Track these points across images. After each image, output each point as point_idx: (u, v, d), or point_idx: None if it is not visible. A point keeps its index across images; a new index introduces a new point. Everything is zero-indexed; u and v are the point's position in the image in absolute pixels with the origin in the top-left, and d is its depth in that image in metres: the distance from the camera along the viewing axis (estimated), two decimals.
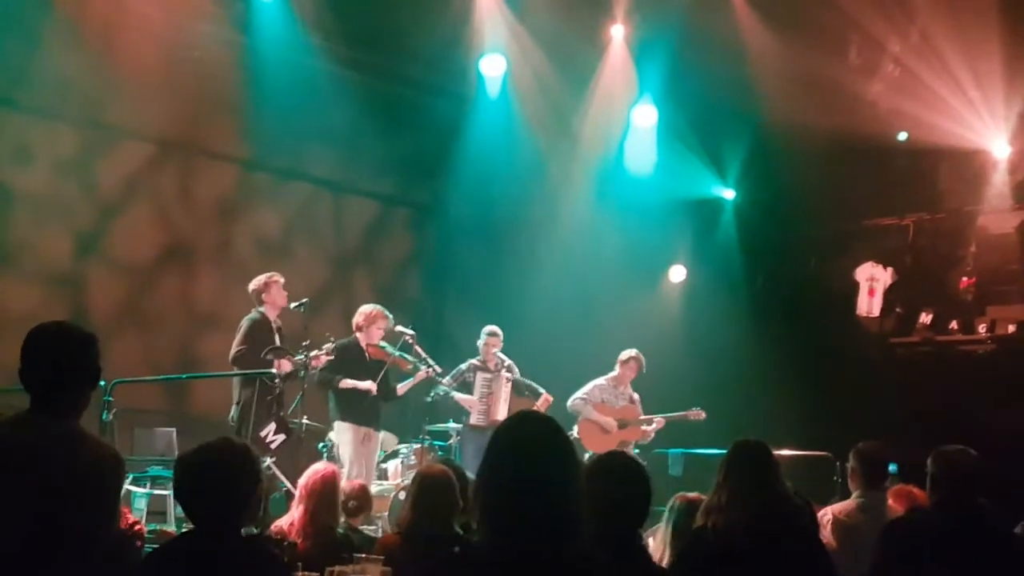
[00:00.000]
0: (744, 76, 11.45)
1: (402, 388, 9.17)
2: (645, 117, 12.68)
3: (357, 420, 8.76)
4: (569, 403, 10.08)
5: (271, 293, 8.59)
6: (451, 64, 12.02)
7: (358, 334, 8.96)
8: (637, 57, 12.17)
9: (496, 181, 12.37)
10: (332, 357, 8.47)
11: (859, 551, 5.13)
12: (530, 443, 2.70)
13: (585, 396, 10.13)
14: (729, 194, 13.47)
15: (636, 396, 10.32)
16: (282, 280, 8.68)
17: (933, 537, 4.38)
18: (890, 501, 5.71)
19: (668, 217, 13.01)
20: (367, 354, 8.90)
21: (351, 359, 8.82)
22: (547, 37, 11.74)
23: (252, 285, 8.67)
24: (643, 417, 10.24)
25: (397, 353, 8.97)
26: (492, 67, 12.13)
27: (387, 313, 9.06)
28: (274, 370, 8.18)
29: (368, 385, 8.73)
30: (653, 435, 10.28)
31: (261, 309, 8.55)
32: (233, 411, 8.32)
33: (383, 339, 9.02)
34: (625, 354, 10.23)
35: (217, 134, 11.18)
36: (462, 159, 12.25)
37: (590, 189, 12.69)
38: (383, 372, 8.87)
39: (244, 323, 8.48)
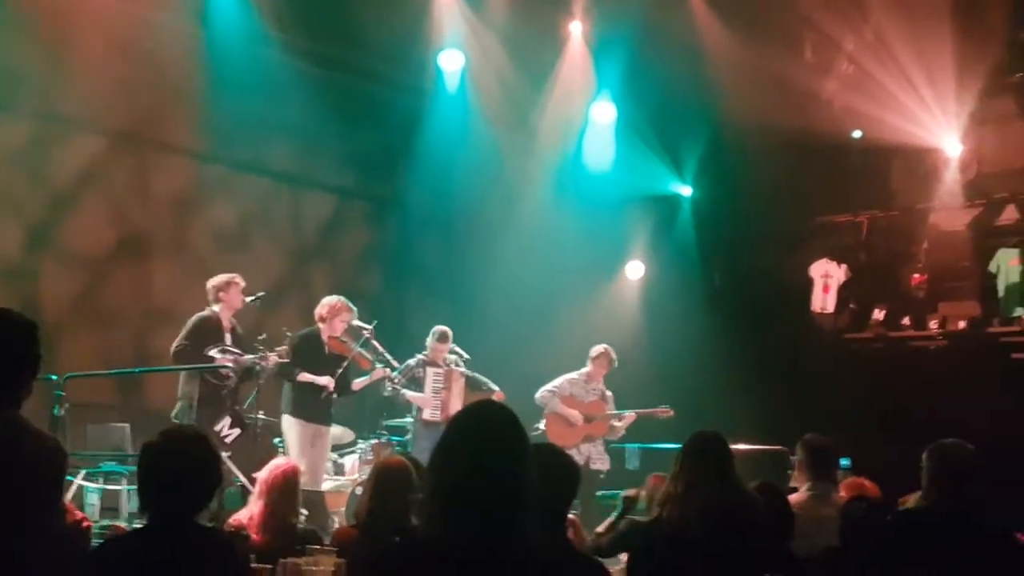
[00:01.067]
0: (702, 74, 11.54)
1: (358, 384, 9.01)
2: (603, 113, 12.74)
3: (307, 417, 8.57)
4: (537, 394, 10.07)
5: (229, 294, 8.48)
6: (410, 58, 12.00)
7: (320, 325, 8.80)
8: (596, 54, 12.24)
9: (455, 176, 12.38)
10: (285, 360, 8.32)
11: (807, 540, 5.19)
12: (486, 432, 2.70)
13: (554, 388, 10.11)
14: (686, 191, 13.56)
15: (609, 393, 10.29)
16: (243, 284, 8.58)
17: (929, 532, 4.34)
18: (842, 493, 5.77)
19: (626, 213, 13.08)
20: (327, 347, 8.77)
21: (310, 351, 8.67)
22: (506, 32, 11.77)
23: (212, 282, 8.56)
24: (611, 412, 10.20)
25: (358, 349, 8.86)
26: (451, 62, 12.14)
27: (351, 306, 8.90)
28: (231, 365, 8.13)
29: (325, 381, 8.58)
30: (623, 431, 10.25)
31: (215, 308, 8.45)
32: (177, 407, 8.23)
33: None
34: (595, 350, 10.19)
35: (173, 126, 11.07)
36: (421, 154, 12.24)
37: (548, 185, 12.73)
38: (343, 367, 8.74)
39: (192, 319, 8.38)
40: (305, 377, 8.57)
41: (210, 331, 8.30)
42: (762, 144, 11.53)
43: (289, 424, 8.58)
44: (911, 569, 4.00)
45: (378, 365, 8.99)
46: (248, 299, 8.62)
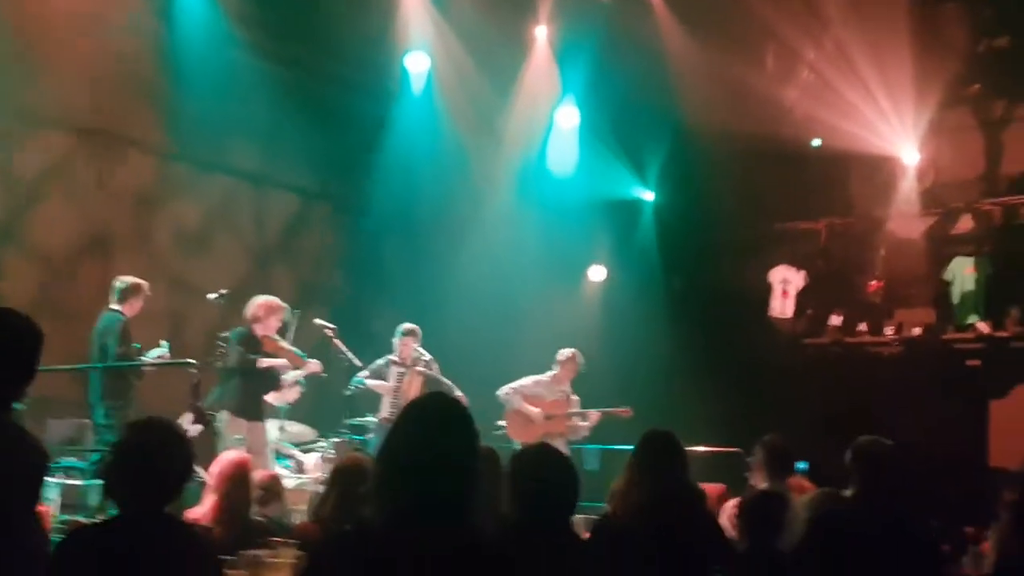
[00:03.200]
0: (665, 80, 11.67)
1: (288, 381, 9.08)
2: (567, 118, 12.83)
3: (247, 415, 8.59)
4: (500, 391, 10.13)
5: (133, 302, 8.62)
6: (376, 60, 12.03)
7: (254, 325, 8.77)
8: (560, 58, 12.32)
9: (419, 178, 12.40)
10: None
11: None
12: (434, 422, 2.74)
13: (517, 387, 10.17)
14: (649, 196, 13.68)
15: (575, 397, 10.36)
16: (148, 293, 8.75)
17: (853, 529, 4.39)
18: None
19: (589, 217, 13.17)
20: (263, 347, 8.75)
21: (252, 349, 8.69)
22: (471, 36, 11.83)
23: (125, 282, 8.65)
24: (573, 411, 10.26)
25: (288, 346, 8.88)
26: (416, 64, 12.17)
27: (284, 304, 8.93)
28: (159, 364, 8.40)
29: (282, 362, 8.68)
30: (588, 431, 10.31)
31: (126, 307, 8.59)
32: (101, 408, 8.35)
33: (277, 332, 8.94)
34: (563, 353, 10.26)
35: (137, 124, 11.01)
36: (385, 155, 12.25)
37: (512, 188, 12.81)
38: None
39: (116, 322, 8.48)
40: (265, 362, 8.61)
41: (128, 331, 8.49)
42: (723, 150, 11.67)
43: (228, 421, 8.54)
44: (836, 562, 4.10)
45: (309, 361, 8.97)
46: (211, 296, 8.72)
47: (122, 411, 8.18)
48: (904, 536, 4.32)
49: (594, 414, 10.30)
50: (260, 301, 8.88)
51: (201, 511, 5.19)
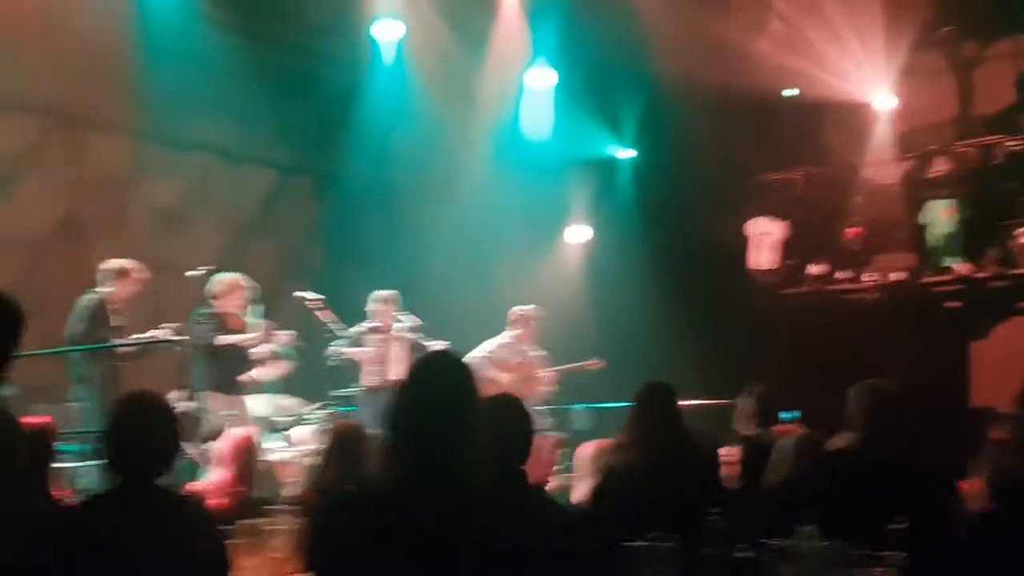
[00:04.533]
0: (636, 36, 11.61)
1: (261, 354, 9.13)
2: (540, 79, 12.79)
3: (226, 389, 8.63)
4: (468, 357, 10.12)
5: (121, 284, 8.60)
6: (345, 30, 11.94)
7: (215, 303, 8.78)
8: (531, 18, 12.26)
9: (394, 147, 12.36)
10: (180, 336, 8.48)
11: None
12: (437, 380, 2.78)
13: (486, 353, 10.18)
14: (626, 153, 13.68)
15: (543, 353, 10.39)
16: (139, 277, 8.69)
17: (854, 469, 4.46)
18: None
19: (567, 177, 13.17)
20: (228, 324, 8.81)
21: (212, 328, 8.71)
22: (441, 0, 11.75)
23: (112, 264, 8.65)
24: (540, 373, 10.29)
25: (256, 321, 8.92)
26: (386, 32, 12.08)
27: (244, 282, 8.94)
28: (175, 338, 8.38)
29: (247, 337, 8.72)
30: (553, 389, 10.35)
31: (102, 290, 8.55)
32: (77, 390, 8.36)
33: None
34: (513, 313, 10.23)
35: (107, 105, 10.91)
36: (359, 126, 12.20)
37: (489, 151, 12.75)
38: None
39: (82, 302, 8.48)
40: (226, 339, 8.62)
41: (101, 312, 8.46)
42: (698, 105, 11.65)
43: (210, 399, 8.58)
44: (842, 506, 4.12)
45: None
46: (191, 273, 8.76)
47: (102, 392, 8.11)
48: (918, 474, 4.34)
49: (550, 373, 10.26)
50: (220, 278, 8.88)
51: (207, 485, 5.22)
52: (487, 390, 9.30)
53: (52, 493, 4.03)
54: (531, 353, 10.29)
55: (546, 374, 10.29)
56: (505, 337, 10.26)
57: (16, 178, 10.43)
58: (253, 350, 9.00)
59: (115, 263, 8.70)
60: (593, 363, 10.45)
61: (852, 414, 4.60)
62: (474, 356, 10.09)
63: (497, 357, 10.16)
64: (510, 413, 3.68)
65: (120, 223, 11.15)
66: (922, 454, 4.55)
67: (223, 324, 8.76)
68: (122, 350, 8.43)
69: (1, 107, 10.19)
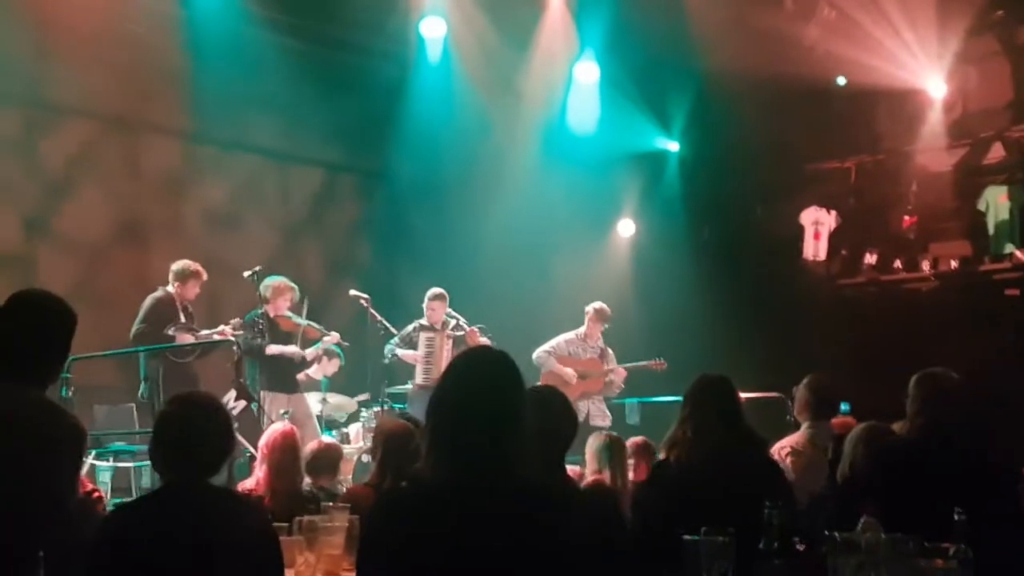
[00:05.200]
0: (684, 28, 11.51)
1: (312, 354, 9.28)
2: (587, 73, 12.74)
3: (284, 388, 8.95)
4: (534, 355, 10.14)
5: (187, 285, 8.86)
6: (391, 28, 11.97)
7: (265, 307, 9.04)
8: (577, 12, 12.21)
9: (441, 143, 12.38)
10: (239, 332, 8.68)
11: (812, 479, 5.30)
12: (480, 375, 2.77)
13: (550, 349, 10.20)
14: (673, 146, 13.59)
15: (609, 351, 10.38)
16: (204, 278, 8.96)
17: (918, 459, 4.35)
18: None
19: (615, 171, 13.12)
20: (279, 326, 9.04)
21: (263, 332, 8.97)
22: None
23: (178, 265, 8.88)
24: (607, 368, 10.29)
25: (305, 322, 9.12)
26: (432, 29, 12.10)
27: (293, 284, 9.20)
28: (234, 337, 8.57)
29: (294, 350, 8.97)
30: (621, 386, 10.35)
31: (170, 289, 8.82)
32: (142, 388, 8.55)
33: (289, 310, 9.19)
34: (588, 308, 10.31)
35: (159, 108, 11.08)
36: (406, 123, 12.24)
37: (536, 146, 12.74)
38: (296, 341, 9.09)
39: (148, 301, 8.74)
40: (274, 349, 8.90)
41: (167, 310, 8.72)
42: (747, 96, 11.53)
43: (269, 399, 8.81)
44: (904, 498, 4.05)
45: (328, 334, 9.24)
46: (245, 274, 8.93)
47: (161, 390, 8.32)
48: (982, 465, 4.25)
49: (620, 370, 10.30)
50: (269, 282, 9.12)
51: (252, 483, 5.27)
52: (548, 383, 9.40)
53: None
54: (603, 348, 10.29)
55: (614, 370, 10.27)
56: (574, 333, 10.29)
57: (74, 182, 10.63)
58: (308, 351, 9.17)
59: (183, 263, 8.94)
60: (658, 363, 10.42)
61: (913, 404, 4.50)
62: (540, 351, 10.14)
63: (562, 352, 10.19)
64: (553, 405, 3.68)
65: (175, 224, 11.31)
66: (985, 444, 4.45)
67: (274, 327, 8.97)
68: (185, 349, 8.63)
69: (60, 113, 10.39)
